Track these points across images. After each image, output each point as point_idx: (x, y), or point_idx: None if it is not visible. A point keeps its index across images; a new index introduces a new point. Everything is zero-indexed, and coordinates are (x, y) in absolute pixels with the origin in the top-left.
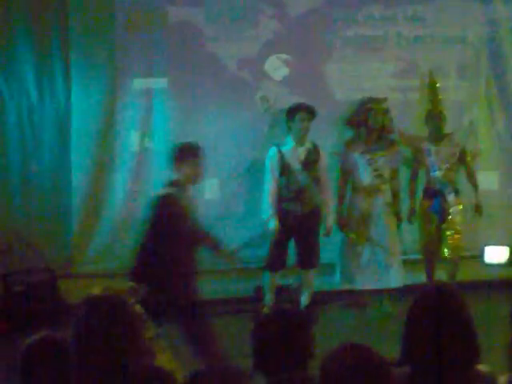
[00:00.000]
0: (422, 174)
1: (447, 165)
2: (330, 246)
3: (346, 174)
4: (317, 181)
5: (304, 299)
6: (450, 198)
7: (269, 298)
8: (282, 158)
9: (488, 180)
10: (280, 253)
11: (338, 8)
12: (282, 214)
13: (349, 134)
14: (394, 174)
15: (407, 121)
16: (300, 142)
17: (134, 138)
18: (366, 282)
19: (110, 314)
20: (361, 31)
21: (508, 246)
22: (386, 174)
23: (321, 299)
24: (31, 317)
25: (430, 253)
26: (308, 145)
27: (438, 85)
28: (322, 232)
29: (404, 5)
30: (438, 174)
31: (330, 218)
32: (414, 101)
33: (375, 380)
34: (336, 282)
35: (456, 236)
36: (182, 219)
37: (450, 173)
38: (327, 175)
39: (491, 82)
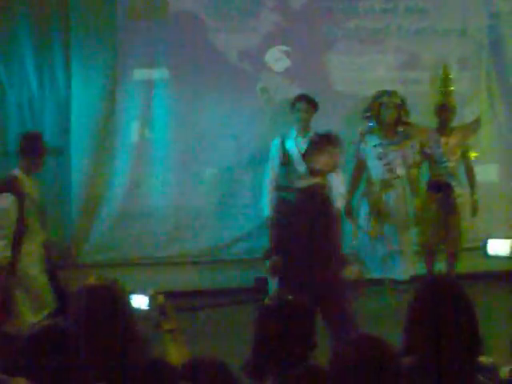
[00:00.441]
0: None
1: (456, 157)
2: None
3: (360, 166)
4: None
5: None
6: (458, 190)
7: (272, 288)
8: (283, 147)
9: (488, 172)
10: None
11: (339, 0)
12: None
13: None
14: (413, 166)
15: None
16: (302, 132)
17: (134, 128)
18: (373, 270)
19: (104, 303)
20: (361, 23)
21: (509, 238)
22: (399, 169)
23: None
24: None
25: (432, 245)
26: (310, 136)
27: (450, 76)
28: None
29: None
30: (447, 165)
31: (338, 201)
32: (414, 92)
33: (387, 371)
34: None
35: (465, 227)
36: (329, 206)
37: (456, 165)
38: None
39: (492, 75)
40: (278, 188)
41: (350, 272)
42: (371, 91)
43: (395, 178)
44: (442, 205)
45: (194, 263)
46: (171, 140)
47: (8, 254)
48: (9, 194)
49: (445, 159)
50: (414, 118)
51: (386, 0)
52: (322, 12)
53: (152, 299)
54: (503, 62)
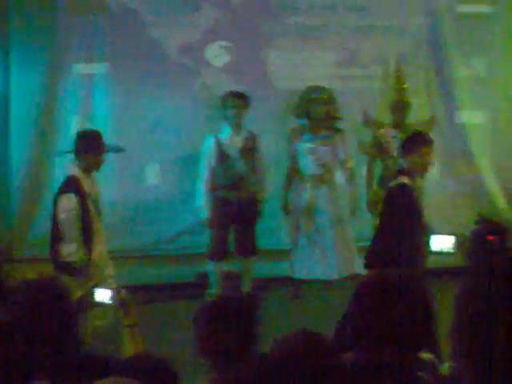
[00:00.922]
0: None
1: None
2: (269, 233)
3: (292, 162)
4: (254, 169)
5: (244, 286)
6: None
7: (214, 286)
8: (219, 146)
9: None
10: (221, 242)
11: None
12: (220, 203)
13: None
14: (343, 163)
15: (348, 109)
16: (235, 129)
17: (74, 123)
18: (305, 271)
19: (42, 299)
20: (302, 20)
21: (451, 235)
22: (330, 164)
23: (264, 286)
24: None
25: None
26: (245, 133)
27: (403, 74)
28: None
29: None
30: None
31: (260, 206)
32: (354, 89)
33: (326, 366)
34: (282, 268)
35: None
36: (417, 207)
37: None
38: (263, 163)
39: (431, 71)
40: (216, 187)
41: None
42: None
43: (326, 173)
44: None
45: (137, 258)
46: (112, 135)
47: (82, 255)
48: (72, 194)
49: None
50: (357, 115)
51: None
52: (262, 8)
53: (115, 293)
54: (441, 58)
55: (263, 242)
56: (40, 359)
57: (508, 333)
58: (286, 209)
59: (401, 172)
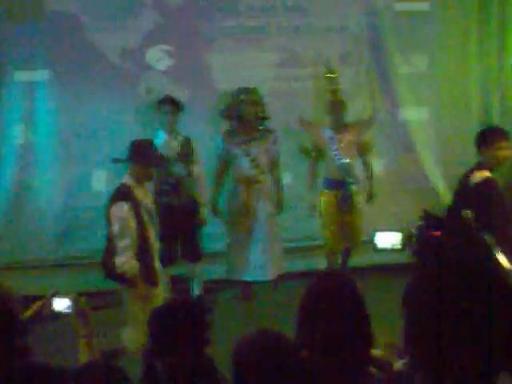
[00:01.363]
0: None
1: (352, 153)
2: (215, 237)
3: (224, 165)
4: (191, 173)
5: (195, 289)
6: (355, 187)
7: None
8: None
9: (373, 166)
10: (168, 247)
11: None
12: (163, 209)
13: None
14: (274, 164)
15: (290, 110)
16: (171, 134)
17: (17, 131)
18: (245, 273)
19: None
20: (241, 21)
21: (397, 231)
22: (264, 164)
23: (213, 288)
24: None
25: (333, 243)
26: (180, 137)
27: (335, 75)
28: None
29: None
30: (343, 162)
31: (202, 211)
32: (297, 90)
33: (286, 364)
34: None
35: (359, 224)
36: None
37: (353, 162)
38: (201, 167)
39: (372, 70)
40: (159, 193)
41: None
42: None
43: (260, 174)
44: (338, 203)
45: (83, 265)
46: (57, 141)
47: (135, 264)
48: (122, 202)
49: (340, 156)
50: (297, 115)
51: None
52: (201, 10)
53: (74, 302)
54: (382, 57)
55: (213, 244)
56: None
57: (456, 326)
58: (215, 211)
59: (480, 166)
